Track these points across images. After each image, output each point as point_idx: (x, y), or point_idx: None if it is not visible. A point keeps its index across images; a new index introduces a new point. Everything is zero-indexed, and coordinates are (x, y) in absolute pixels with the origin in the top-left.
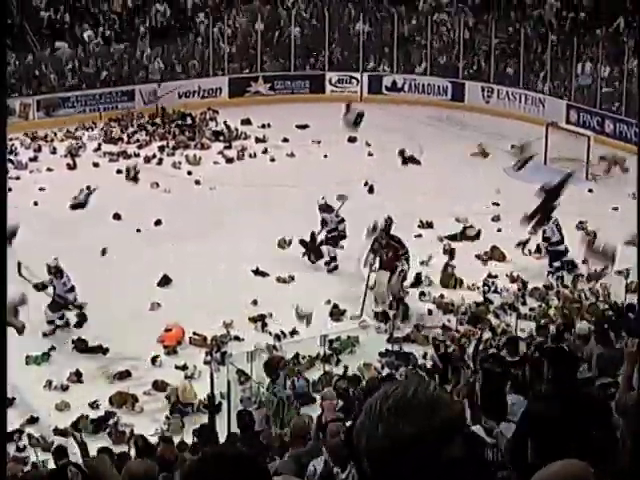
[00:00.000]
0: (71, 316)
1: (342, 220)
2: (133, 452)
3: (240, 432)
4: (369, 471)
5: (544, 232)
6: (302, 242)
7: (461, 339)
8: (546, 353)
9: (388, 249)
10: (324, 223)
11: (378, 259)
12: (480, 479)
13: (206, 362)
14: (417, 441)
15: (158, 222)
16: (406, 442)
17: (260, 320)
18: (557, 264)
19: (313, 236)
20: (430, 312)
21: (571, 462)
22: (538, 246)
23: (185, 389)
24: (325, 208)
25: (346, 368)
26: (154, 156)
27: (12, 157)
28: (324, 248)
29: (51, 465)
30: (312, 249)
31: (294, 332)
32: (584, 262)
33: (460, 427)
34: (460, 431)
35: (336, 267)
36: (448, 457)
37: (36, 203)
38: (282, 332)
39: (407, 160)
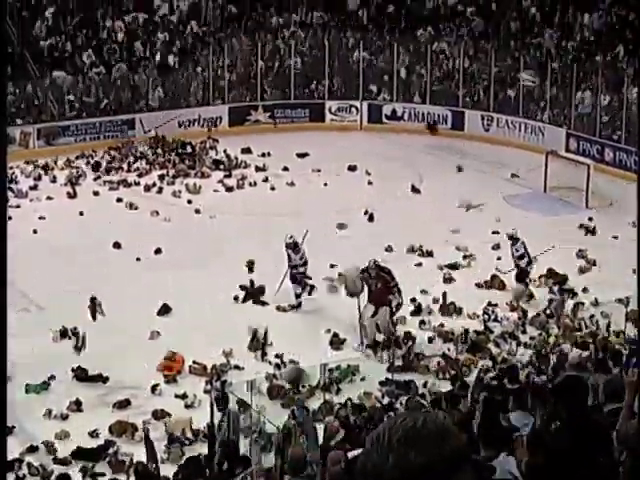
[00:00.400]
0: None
1: (305, 262)
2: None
3: (226, 461)
4: None
5: (515, 251)
6: (242, 287)
7: (462, 368)
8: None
9: (377, 280)
10: (289, 260)
11: (367, 290)
12: None
13: (206, 391)
14: (428, 471)
15: (158, 251)
16: (417, 472)
17: (260, 349)
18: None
19: (252, 282)
20: (430, 340)
21: None
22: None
23: (176, 421)
24: (292, 246)
25: (350, 399)
26: (154, 185)
27: (12, 185)
28: (290, 286)
29: None
30: (253, 293)
31: (293, 361)
32: (584, 291)
33: (468, 455)
34: (468, 459)
35: (300, 305)
36: None
37: (35, 231)
38: (282, 361)
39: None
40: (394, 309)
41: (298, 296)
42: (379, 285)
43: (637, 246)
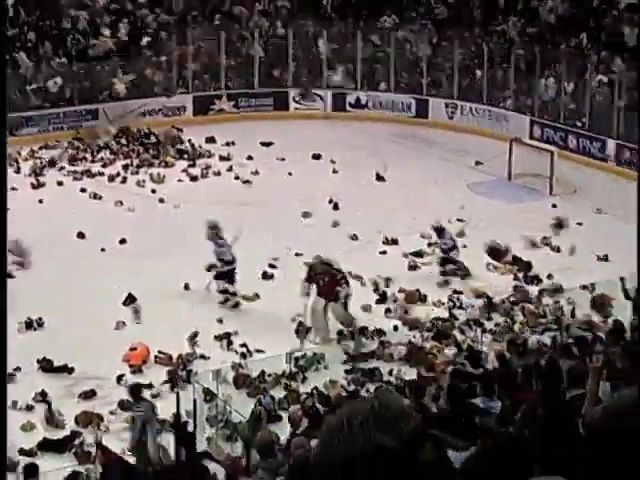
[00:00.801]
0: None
1: (234, 259)
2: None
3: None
4: None
5: (444, 244)
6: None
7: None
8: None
9: (324, 275)
10: (216, 255)
11: (315, 287)
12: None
13: (166, 381)
14: (394, 450)
15: (123, 241)
16: (382, 454)
17: (226, 338)
18: (448, 267)
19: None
20: (395, 328)
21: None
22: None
23: None
24: (216, 239)
25: (315, 388)
26: (118, 174)
27: None
28: (213, 283)
29: None
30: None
31: (259, 350)
32: (549, 277)
33: (426, 432)
34: (428, 436)
35: (237, 304)
36: (424, 461)
37: None
38: (248, 350)
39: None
40: (343, 300)
41: (224, 292)
42: (326, 279)
43: (637, 243)
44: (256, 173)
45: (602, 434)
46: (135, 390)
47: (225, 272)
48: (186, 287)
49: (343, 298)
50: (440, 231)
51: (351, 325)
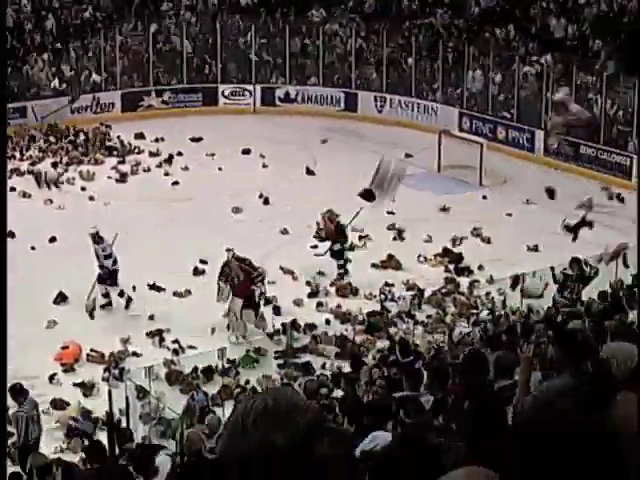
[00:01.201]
0: None
1: (115, 261)
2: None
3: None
4: None
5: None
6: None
7: (360, 348)
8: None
9: (238, 272)
10: (97, 256)
11: (229, 286)
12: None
13: (104, 379)
14: (288, 446)
15: (53, 239)
16: (277, 451)
17: (157, 335)
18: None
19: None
20: (328, 322)
21: (475, 469)
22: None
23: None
24: (97, 239)
25: (247, 382)
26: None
27: None
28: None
29: None
30: None
31: (192, 346)
32: (480, 268)
33: (323, 425)
34: (325, 429)
35: (110, 304)
36: (320, 455)
37: None
38: (180, 346)
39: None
40: (257, 299)
41: (106, 295)
42: (241, 277)
43: (637, 239)
44: (186, 169)
45: (530, 423)
46: (14, 390)
47: (108, 275)
48: (229, 251)
49: (257, 297)
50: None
51: (266, 329)
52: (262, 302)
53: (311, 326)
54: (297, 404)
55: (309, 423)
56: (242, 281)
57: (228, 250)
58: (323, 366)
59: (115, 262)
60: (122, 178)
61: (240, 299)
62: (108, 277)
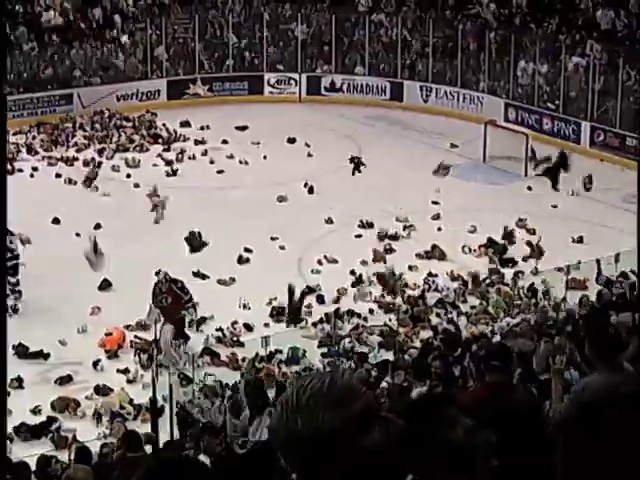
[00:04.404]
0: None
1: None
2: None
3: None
4: (290, 465)
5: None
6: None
7: (403, 338)
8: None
9: (168, 295)
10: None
11: (158, 309)
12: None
13: (148, 366)
14: (338, 430)
15: (97, 226)
16: (327, 433)
17: (201, 322)
18: None
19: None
20: (371, 311)
21: None
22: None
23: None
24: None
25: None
26: (93, 160)
27: None
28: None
29: None
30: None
31: (234, 334)
32: (524, 259)
33: (377, 414)
34: (377, 418)
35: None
36: (370, 443)
37: None
38: (223, 334)
39: (355, 163)
40: (187, 325)
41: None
42: (169, 300)
43: (637, 234)
44: (231, 157)
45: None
46: None
47: (12, 266)
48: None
49: (187, 324)
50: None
51: (176, 364)
52: (193, 328)
53: (354, 315)
54: (353, 388)
55: (363, 409)
56: (170, 304)
57: (273, 239)
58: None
59: (17, 256)
60: (167, 166)
61: (170, 325)
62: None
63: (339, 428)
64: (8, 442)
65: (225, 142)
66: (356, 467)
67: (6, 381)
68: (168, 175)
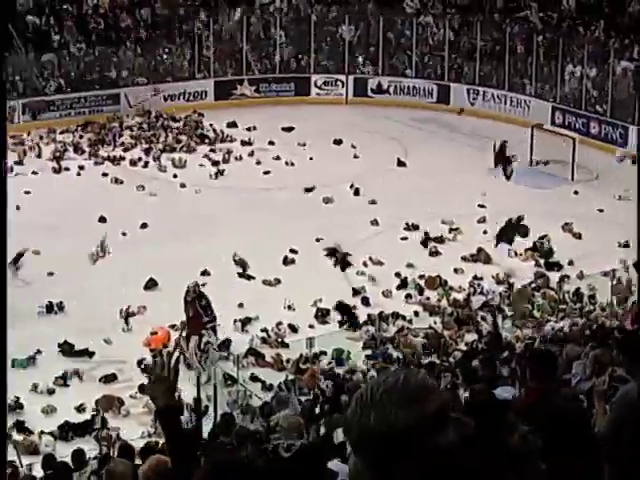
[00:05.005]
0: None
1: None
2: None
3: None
4: (362, 461)
5: None
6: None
7: (447, 341)
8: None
9: (190, 308)
10: None
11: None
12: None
13: (193, 365)
14: (413, 427)
15: (144, 225)
16: (401, 430)
17: (246, 322)
18: None
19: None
20: (417, 314)
21: None
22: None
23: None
24: None
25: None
26: (139, 159)
27: None
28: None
29: (37, 469)
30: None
31: (279, 335)
32: (570, 263)
33: (449, 414)
34: (451, 418)
35: None
36: (445, 442)
37: (18, 207)
38: (268, 335)
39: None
40: (203, 346)
41: None
42: (190, 314)
43: (637, 221)
44: (277, 158)
45: None
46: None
47: None
48: (205, 272)
49: (204, 344)
50: None
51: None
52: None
53: (399, 317)
54: (427, 386)
55: (439, 408)
56: (192, 317)
57: (318, 240)
58: (407, 359)
59: None
60: (214, 166)
61: (195, 336)
62: None
63: (413, 426)
64: (52, 439)
65: (271, 143)
66: (431, 466)
67: (6, 381)
68: (214, 176)
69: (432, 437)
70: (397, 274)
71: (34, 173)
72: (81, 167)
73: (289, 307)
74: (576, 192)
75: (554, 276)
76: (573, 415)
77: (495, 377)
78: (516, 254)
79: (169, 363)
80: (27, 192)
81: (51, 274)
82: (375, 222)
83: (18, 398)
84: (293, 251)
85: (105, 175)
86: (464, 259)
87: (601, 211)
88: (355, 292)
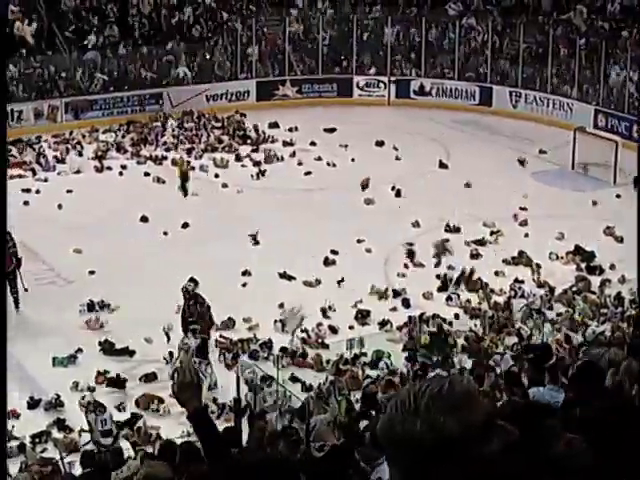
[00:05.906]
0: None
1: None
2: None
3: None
4: (396, 465)
5: None
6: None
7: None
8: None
9: (194, 311)
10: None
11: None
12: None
13: (232, 365)
14: (459, 435)
15: (185, 225)
16: (450, 437)
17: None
18: None
19: None
20: (457, 316)
21: None
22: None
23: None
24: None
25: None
26: (181, 159)
27: (40, 159)
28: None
29: (77, 467)
30: None
31: (319, 336)
32: (611, 267)
33: (495, 421)
34: (497, 427)
35: None
36: (489, 452)
37: (60, 206)
38: (308, 335)
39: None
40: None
41: None
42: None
43: (637, 239)
44: (319, 159)
45: None
46: None
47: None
48: (246, 273)
49: (182, 344)
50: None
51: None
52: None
53: (440, 319)
54: (472, 394)
55: (485, 417)
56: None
57: (359, 241)
58: (447, 360)
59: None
60: (256, 166)
61: (196, 340)
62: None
63: (460, 434)
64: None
65: (313, 144)
66: (473, 473)
67: (6, 381)
68: (256, 176)
69: (478, 445)
70: (437, 276)
71: (76, 172)
72: (123, 166)
73: (329, 308)
74: (618, 195)
75: (595, 280)
76: (620, 420)
77: (540, 381)
78: (557, 257)
79: (189, 369)
80: (69, 191)
81: (92, 273)
82: (416, 224)
83: (59, 396)
84: (334, 252)
85: (147, 175)
86: (505, 262)
87: None
88: (396, 294)
